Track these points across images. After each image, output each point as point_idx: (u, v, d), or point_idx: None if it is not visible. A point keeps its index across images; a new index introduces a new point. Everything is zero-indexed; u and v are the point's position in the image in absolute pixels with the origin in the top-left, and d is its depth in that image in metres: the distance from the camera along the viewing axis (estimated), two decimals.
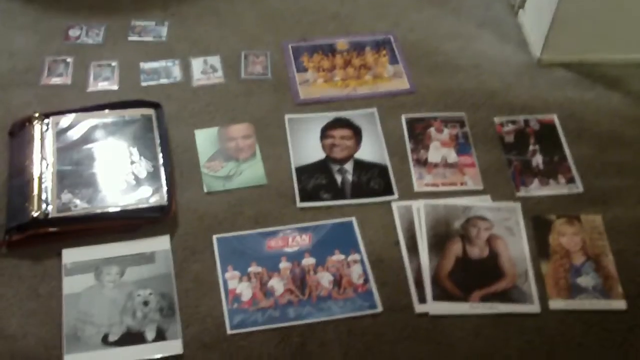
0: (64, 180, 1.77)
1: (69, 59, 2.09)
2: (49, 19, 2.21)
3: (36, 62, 2.09)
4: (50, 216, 1.71)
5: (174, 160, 1.87)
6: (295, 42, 2.17)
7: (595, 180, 1.89)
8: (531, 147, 1.94)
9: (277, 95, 2.04)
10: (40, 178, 1.77)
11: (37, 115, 1.90)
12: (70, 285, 1.65)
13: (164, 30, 2.18)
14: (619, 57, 2.14)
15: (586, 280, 1.69)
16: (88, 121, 1.90)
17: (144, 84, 2.05)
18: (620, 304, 1.66)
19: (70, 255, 1.69)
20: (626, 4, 2.02)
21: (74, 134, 1.87)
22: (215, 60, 2.10)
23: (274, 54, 2.14)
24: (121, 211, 1.74)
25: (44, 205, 1.72)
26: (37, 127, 1.87)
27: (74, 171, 1.80)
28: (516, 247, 1.74)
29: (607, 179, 1.89)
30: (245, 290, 1.66)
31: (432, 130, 1.96)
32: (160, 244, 1.72)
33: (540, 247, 1.74)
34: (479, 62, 2.14)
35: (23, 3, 2.25)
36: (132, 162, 1.82)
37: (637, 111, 2.05)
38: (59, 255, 1.70)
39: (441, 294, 1.66)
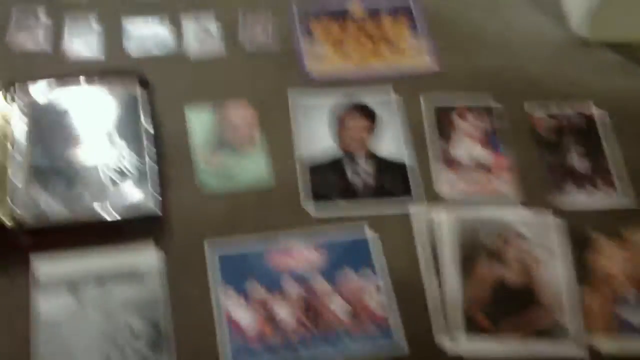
0: (36, 174, 1.50)
1: (40, 11, 1.77)
2: None
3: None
4: (21, 224, 1.45)
5: (165, 150, 1.61)
6: (304, 3, 1.87)
7: None
8: (572, 147, 1.70)
9: (282, 70, 1.76)
10: (5, 172, 1.50)
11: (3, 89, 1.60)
12: (41, 303, 1.40)
13: None
14: None
15: (636, 315, 1.49)
16: (65, 96, 1.61)
17: (128, 50, 1.75)
18: None
19: (43, 266, 1.44)
20: None
21: (48, 112, 1.58)
22: (209, 20, 1.80)
23: (276, 14, 1.84)
24: (105, 218, 1.48)
25: (13, 210, 1.45)
26: (2, 104, 1.58)
27: (49, 165, 1.52)
28: (555, 271, 1.53)
29: None
30: (247, 319, 1.43)
31: (459, 120, 1.71)
32: (149, 257, 1.48)
33: (581, 272, 1.54)
34: (511, 36, 1.87)
35: None
36: (118, 155, 1.55)
37: None
38: (28, 263, 1.45)
39: (472, 328, 1.46)
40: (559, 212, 1.60)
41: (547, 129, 1.71)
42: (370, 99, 1.72)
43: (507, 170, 1.65)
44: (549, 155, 1.68)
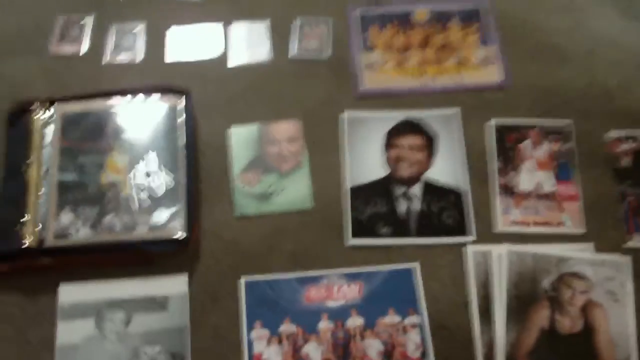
0: (65, 193, 1.45)
1: (84, 20, 1.71)
2: None
3: (47, 20, 1.72)
4: (45, 244, 1.40)
5: (200, 166, 1.52)
6: (365, 7, 1.73)
7: None
8: None
9: (335, 82, 1.64)
10: (37, 188, 1.45)
11: (39, 102, 1.55)
12: (66, 333, 1.36)
13: None
14: None
15: None
16: (100, 113, 1.54)
17: (170, 59, 1.67)
18: None
19: (69, 293, 1.40)
20: None
21: (81, 131, 1.52)
22: (262, 29, 1.70)
23: (335, 23, 1.72)
24: (131, 242, 1.41)
25: (39, 228, 1.41)
26: (38, 117, 1.53)
27: (78, 181, 1.46)
28: (619, 320, 1.36)
29: None
30: (273, 356, 1.34)
31: (527, 143, 1.54)
32: (176, 285, 1.40)
33: None
34: (594, 47, 1.68)
35: None
36: (149, 174, 1.48)
37: None
38: (55, 289, 1.40)
39: None
40: (631, 253, 1.42)
41: (626, 155, 1.52)
42: (428, 116, 1.57)
43: (576, 201, 1.48)
44: (625, 186, 1.50)
